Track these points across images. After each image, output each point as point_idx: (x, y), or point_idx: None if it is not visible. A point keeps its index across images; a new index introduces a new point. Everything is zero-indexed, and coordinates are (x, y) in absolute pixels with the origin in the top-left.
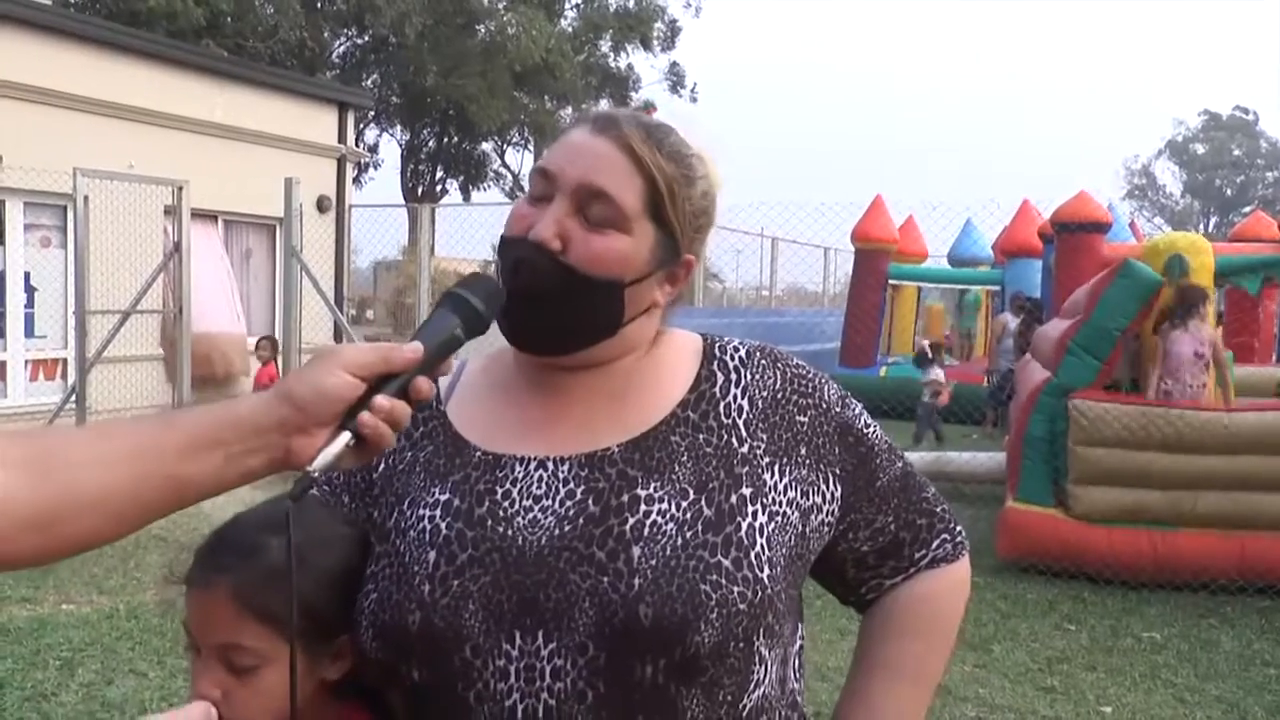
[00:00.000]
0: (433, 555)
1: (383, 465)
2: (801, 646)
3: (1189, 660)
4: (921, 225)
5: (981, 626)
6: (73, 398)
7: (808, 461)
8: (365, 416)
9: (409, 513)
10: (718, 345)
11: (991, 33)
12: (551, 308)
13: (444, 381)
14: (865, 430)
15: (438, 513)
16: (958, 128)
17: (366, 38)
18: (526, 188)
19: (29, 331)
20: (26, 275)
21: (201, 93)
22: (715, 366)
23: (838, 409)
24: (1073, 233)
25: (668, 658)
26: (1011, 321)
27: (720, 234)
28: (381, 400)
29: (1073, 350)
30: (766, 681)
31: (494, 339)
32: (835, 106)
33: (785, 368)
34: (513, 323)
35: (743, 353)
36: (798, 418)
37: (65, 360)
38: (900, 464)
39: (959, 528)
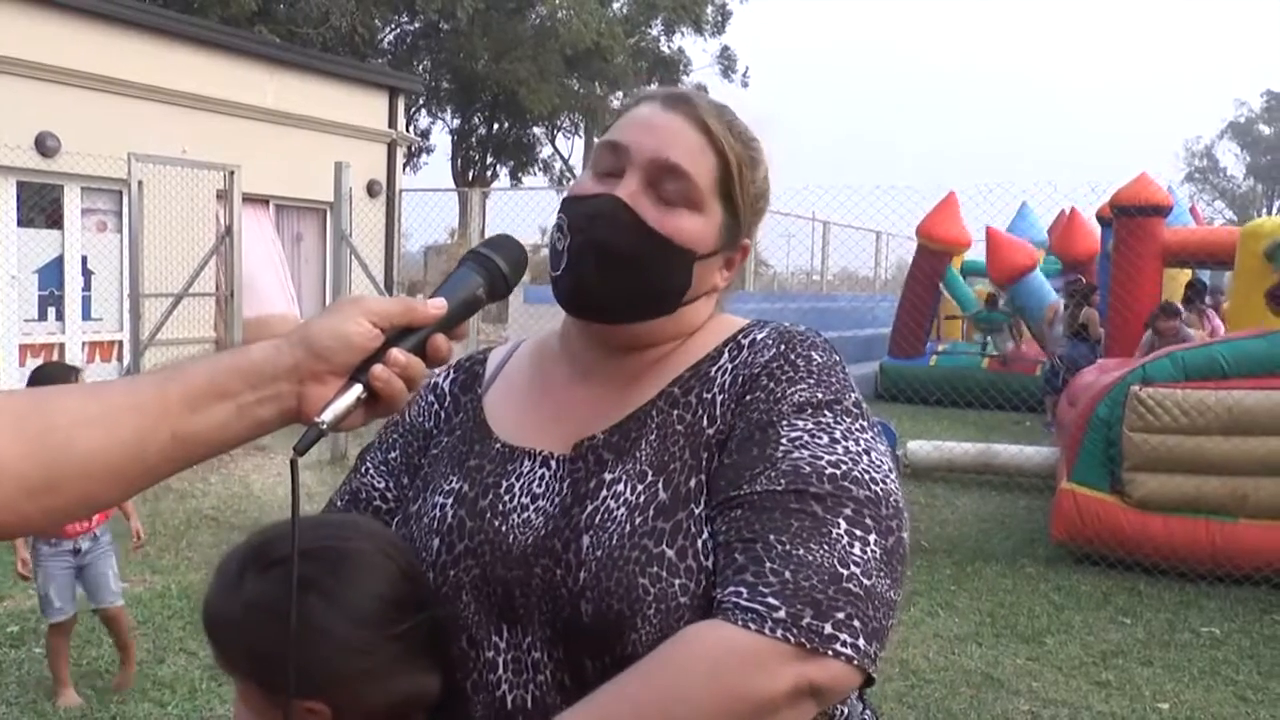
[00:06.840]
0: (436, 543)
1: (433, 450)
2: None
3: (1251, 657)
4: (977, 209)
5: (1035, 618)
6: None
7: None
8: (378, 369)
9: (429, 500)
10: (751, 326)
11: (1048, 12)
12: (622, 266)
13: (493, 363)
14: (784, 439)
15: (449, 500)
16: (1012, 110)
17: (417, 23)
18: (579, 171)
19: (86, 314)
20: (84, 259)
21: (253, 79)
22: (729, 346)
23: (786, 406)
24: (1132, 216)
25: (610, 655)
26: (1064, 307)
27: (771, 218)
28: (397, 354)
29: (1174, 359)
30: None
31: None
32: (886, 89)
33: (788, 348)
34: (575, 280)
35: (762, 333)
36: (753, 398)
37: (121, 342)
38: (791, 498)
39: (845, 635)
